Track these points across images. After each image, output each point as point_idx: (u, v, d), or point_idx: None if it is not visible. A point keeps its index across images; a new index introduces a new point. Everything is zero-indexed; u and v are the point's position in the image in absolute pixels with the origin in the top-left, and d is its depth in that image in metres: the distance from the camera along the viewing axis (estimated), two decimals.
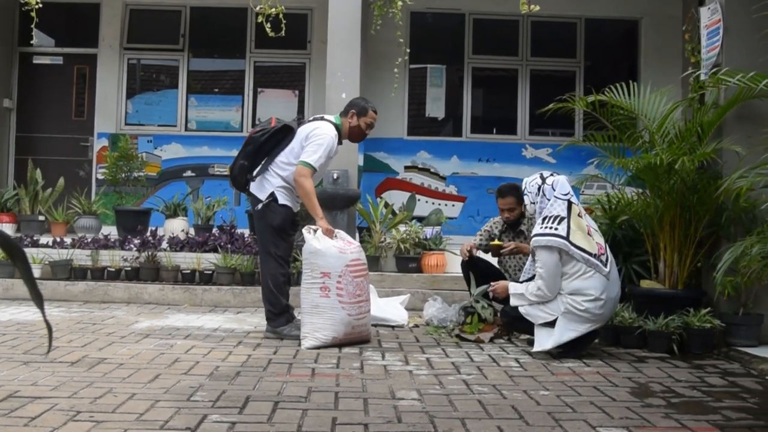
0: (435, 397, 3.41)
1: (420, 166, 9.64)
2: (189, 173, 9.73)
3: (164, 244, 7.27)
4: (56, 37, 10.01)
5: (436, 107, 9.87)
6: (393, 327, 5.45)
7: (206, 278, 6.88)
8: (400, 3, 6.63)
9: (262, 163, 4.90)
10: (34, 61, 9.88)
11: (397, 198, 9.11)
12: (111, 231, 7.95)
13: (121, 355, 4.20)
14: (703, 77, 5.40)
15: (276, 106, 9.64)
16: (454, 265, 6.59)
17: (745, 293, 4.88)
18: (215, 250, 7.09)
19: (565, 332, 4.36)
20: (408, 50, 7.71)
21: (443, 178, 9.63)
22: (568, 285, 4.36)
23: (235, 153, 5.06)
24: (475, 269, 5.43)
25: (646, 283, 5.17)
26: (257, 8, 6.47)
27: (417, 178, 9.62)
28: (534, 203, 4.62)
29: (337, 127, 4.96)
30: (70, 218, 8.14)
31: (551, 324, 4.40)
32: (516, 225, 5.62)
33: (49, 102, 9.83)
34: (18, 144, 9.82)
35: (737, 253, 4.10)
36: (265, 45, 9.47)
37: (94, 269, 6.99)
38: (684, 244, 5.05)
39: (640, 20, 9.61)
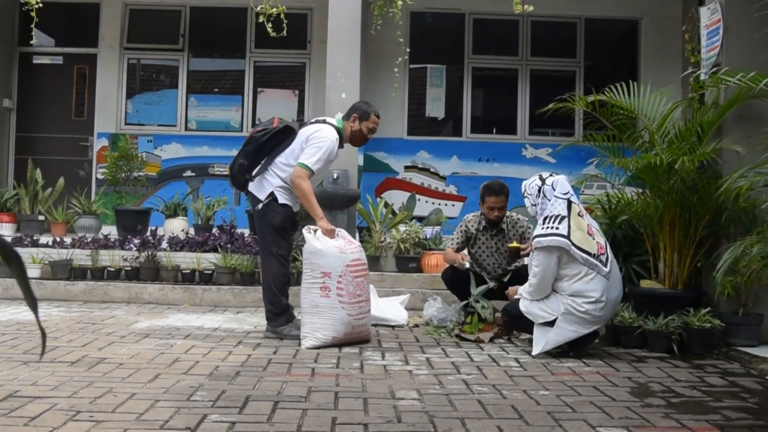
0: (435, 396, 3.41)
1: (420, 166, 9.64)
2: (189, 173, 9.73)
3: (164, 244, 7.27)
4: (56, 36, 10.01)
5: (436, 107, 9.87)
6: (393, 327, 5.45)
7: (206, 278, 6.88)
8: (400, 3, 6.62)
9: (262, 163, 4.89)
10: (34, 61, 9.88)
11: (397, 198, 9.11)
12: (111, 231, 7.95)
13: (120, 355, 4.20)
14: (703, 77, 5.40)
15: (276, 106, 9.64)
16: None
17: (745, 293, 4.88)
18: (215, 250, 7.09)
19: (564, 333, 4.36)
20: (408, 50, 7.71)
21: (443, 178, 9.63)
22: (569, 287, 4.36)
23: (235, 153, 5.05)
24: (459, 274, 5.47)
25: (645, 283, 5.17)
26: (258, 8, 6.47)
27: (417, 178, 9.62)
28: (535, 205, 4.61)
29: (339, 131, 4.95)
30: (70, 218, 8.14)
31: (551, 324, 4.40)
32: (497, 223, 5.61)
33: (49, 102, 9.83)
34: (18, 144, 9.82)
35: (737, 252, 4.10)
36: (265, 45, 9.48)
37: (94, 269, 6.99)
38: (684, 244, 5.05)
39: (640, 20, 9.61)
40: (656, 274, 5.20)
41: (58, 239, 7.40)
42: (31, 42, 6.81)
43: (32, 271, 6.82)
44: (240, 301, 6.54)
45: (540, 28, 9.69)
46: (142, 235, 7.29)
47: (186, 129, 9.85)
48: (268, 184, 4.87)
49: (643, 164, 4.99)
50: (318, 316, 4.55)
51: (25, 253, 6.89)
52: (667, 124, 5.16)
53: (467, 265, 5.43)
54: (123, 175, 8.40)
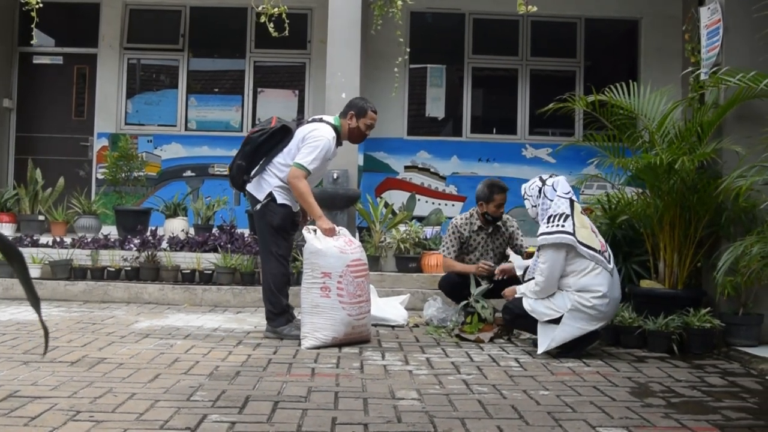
0: (435, 396, 3.41)
1: (420, 166, 9.64)
2: (189, 173, 9.73)
3: (164, 244, 7.26)
4: (56, 36, 10.01)
5: (436, 107, 9.88)
6: (393, 327, 5.45)
7: (206, 278, 6.88)
8: (400, 3, 6.62)
9: (260, 163, 4.88)
10: (34, 61, 9.88)
11: (397, 198, 9.11)
12: (111, 231, 7.95)
13: (120, 355, 4.20)
14: (703, 77, 5.40)
15: (276, 106, 9.64)
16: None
17: (745, 293, 4.88)
18: (215, 250, 7.09)
19: (570, 330, 4.35)
20: (408, 50, 7.71)
21: (443, 178, 9.63)
22: (576, 282, 4.37)
23: (235, 153, 5.04)
24: (456, 281, 5.48)
25: (646, 283, 5.17)
26: (259, 8, 6.47)
27: (417, 178, 9.62)
28: (535, 206, 4.65)
29: (336, 129, 4.92)
30: (70, 218, 8.14)
31: (555, 322, 4.39)
32: (494, 222, 5.60)
33: (49, 102, 9.83)
34: (18, 144, 9.82)
35: (737, 252, 4.10)
36: (264, 45, 9.48)
37: (94, 269, 6.99)
38: (684, 244, 5.05)
39: (640, 20, 9.61)
40: (656, 274, 5.19)
41: (58, 239, 7.40)
42: (31, 42, 6.81)
43: (32, 272, 6.82)
44: (240, 301, 6.54)
45: (540, 28, 9.69)
46: (142, 235, 7.29)
47: (186, 129, 9.85)
48: (266, 184, 4.86)
49: (643, 164, 4.99)
50: (318, 316, 4.55)
51: (25, 253, 6.87)
52: (667, 124, 5.16)
53: (492, 268, 5.39)
54: (123, 175, 8.40)
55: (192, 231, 7.86)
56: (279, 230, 4.87)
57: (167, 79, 10.07)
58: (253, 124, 9.40)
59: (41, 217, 8.15)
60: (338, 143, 4.97)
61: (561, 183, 4.57)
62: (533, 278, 4.61)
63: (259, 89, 9.91)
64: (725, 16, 5.20)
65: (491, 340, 4.95)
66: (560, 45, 9.76)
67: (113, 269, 6.96)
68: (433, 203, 9.41)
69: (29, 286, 1.40)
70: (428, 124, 9.89)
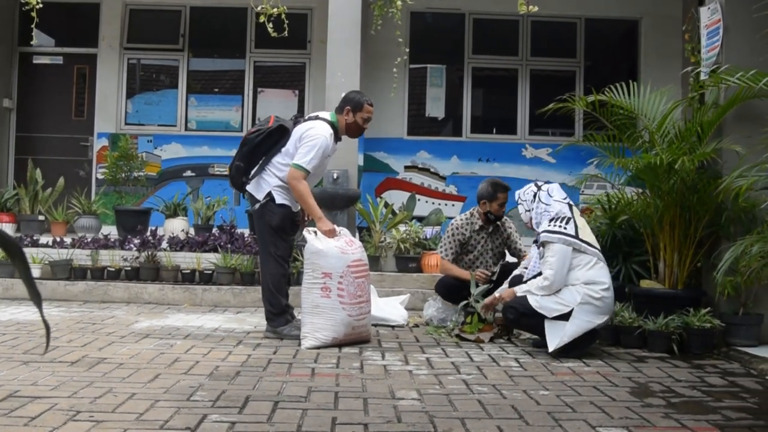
0: (435, 396, 3.40)
1: (420, 166, 9.64)
2: (189, 173, 9.73)
3: (164, 244, 7.27)
4: (56, 36, 10.01)
5: (436, 107, 9.88)
6: (393, 327, 5.45)
7: (206, 278, 6.88)
8: (400, 3, 6.62)
9: (259, 163, 4.88)
10: (34, 61, 9.88)
11: (397, 198, 9.11)
12: (111, 231, 7.95)
13: (120, 355, 4.20)
14: (703, 77, 5.40)
15: (276, 106, 9.64)
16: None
17: (745, 293, 4.88)
18: (215, 250, 7.09)
19: (581, 324, 4.35)
20: (408, 50, 7.72)
21: (443, 178, 9.63)
22: (584, 275, 4.41)
23: (235, 153, 5.04)
24: (453, 284, 5.47)
25: (645, 283, 5.17)
26: (259, 8, 6.47)
27: (417, 178, 9.62)
28: (529, 211, 4.74)
29: (333, 125, 4.89)
30: (70, 218, 8.14)
31: (562, 318, 4.38)
32: (495, 221, 5.61)
33: (49, 102, 9.83)
34: (18, 144, 9.82)
35: (737, 252, 4.11)
36: (265, 45, 9.48)
37: (94, 269, 6.99)
38: (684, 243, 5.05)
39: (640, 20, 9.61)
40: (656, 274, 5.19)
41: (58, 239, 7.41)
42: (31, 42, 6.81)
43: (32, 272, 6.79)
44: (240, 301, 6.54)
45: (540, 28, 9.69)
46: (142, 235, 7.29)
47: (186, 129, 9.85)
48: (265, 184, 4.86)
49: (643, 164, 4.99)
50: (318, 317, 4.54)
51: (25, 253, 6.88)
52: (667, 124, 5.16)
53: (489, 276, 5.39)
54: (123, 175, 8.40)
55: (192, 231, 7.86)
56: (278, 231, 4.86)
57: (167, 79, 10.07)
58: (253, 124, 9.38)
59: (41, 217, 8.15)
60: (337, 139, 4.95)
61: (556, 189, 4.70)
62: (533, 278, 4.62)
63: (259, 89, 9.91)
64: (725, 16, 5.20)
65: (491, 340, 4.94)
66: (560, 45, 9.76)
67: (113, 269, 6.96)
68: (433, 203, 9.41)
69: (31, 283, 1.40)
70: (428, 124, 9.89)
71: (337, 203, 6.90)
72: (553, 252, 4.44)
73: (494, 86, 10.17)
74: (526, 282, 4.70)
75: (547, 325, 4.42)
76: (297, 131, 4.85)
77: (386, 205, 7.73)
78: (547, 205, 4.61)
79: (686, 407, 3.33)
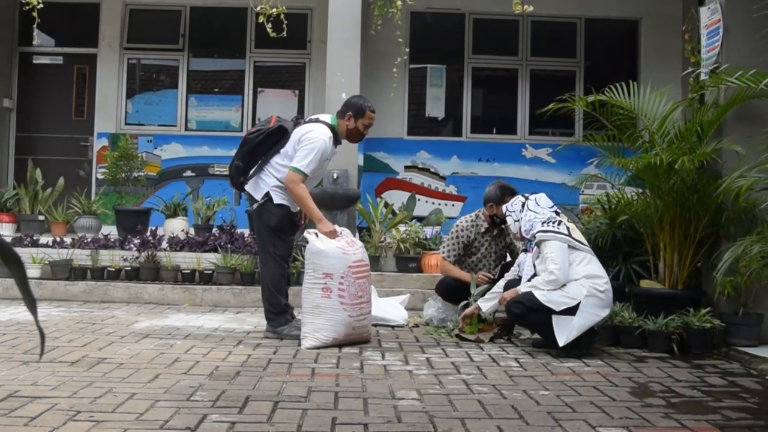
0: (435, 396, 3.41)
1: (420, 166, 9.64)
2: (189, 173, 9.73)
3: (164, 244, 7.26)
4: (56, 36, 10.01)
5: (436, 107, 9.87)
6: (393, 327, 5.45)
7: (206, 278, 6.88)
8: (400, 3, 6.62)
9: (258, 163, 4.88)
10: (34, 61, 9.88)
11: (397, 198, 9.11)
12: (111, 231, 7.95)
13: (120, 355, 4.20)
14: (703, 77, 5.40)
15: (276, 106, 9.63)
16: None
17: (745, 293, 4.88)
18: (215, 250, 7.09)
19: (589, 317, 4.41)
20: (408, 50, 7.71)
21: (443, 178, 9.62)
22: (583, 269, 4.49)
23: (235, 152, 5.04)
24: (453, 284, 5.46)
25: (645, 283, 5.17)
26: (258, 8, 6.46)
27: (417, 178, 9.62)
28: (518, 221, 4.83)
29: (333, 129, 4.88)
30: (70, 218, 8.14)
31: (568, 312, 4.39)
32: (501, 224, 5.58)
33: (49, 102, 9.83)
34: (18, 144, 9.82)
35: (737, 252, 4.10)
36: (264, 45, 9.47)
37: (94, 269, 6.98)
38: (684, 244, 5.05)
39: (640, 20, 9.61)
40: (656, 274, 5.20)
41: (58, 239, 7.40)
42: (32, 42, 6.80)
43: (32, 271, 6.82)
44: (240, 301, 6.54)
45: (540, 28, 9.69)
46: (142, 235, 7.29)
47: (186, 129, 9.85)
48: (264, 184, 4.85)
49: (643, 164, 4.99)
50: (319, 317, 4.54)
51: (25, 253, 6.89)
52: (667, 124, 5.16)
53: (490, 279, 5.39)
54: (123, 175, 8.40)
55: (192, 231, 7.86)
56: (276, 231, 4.85)
57: (167, 79, 10.07)
58: (253, 124, 9.38)
59: (41, 217, 8.15)
60: (337, 142, 4.95)
61: (544, 198, 4.85)
62: (532, 278, 4.63)
63: (259, 89, 9.91)
64: (725, 16, 5.20)
65: (491, 340, 4.94)
66: (560, 45, 9.76)
67: (113, 269, 6.96)
68: (433, 203, 9.41)
69: (26, 289, 1.40)
70: (428, 124, 9.88)
71: (337, 203, 6.90)
72: (551, 248, 4.51)
73: (494, 86, 10.17)
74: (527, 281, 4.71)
75: (555, 320, 4.42)
76: (296, 133, 4.84)
77: (386, 205, 7.73)
78: (535, 213, 4.74)
79: (686, 407, 3.33)
